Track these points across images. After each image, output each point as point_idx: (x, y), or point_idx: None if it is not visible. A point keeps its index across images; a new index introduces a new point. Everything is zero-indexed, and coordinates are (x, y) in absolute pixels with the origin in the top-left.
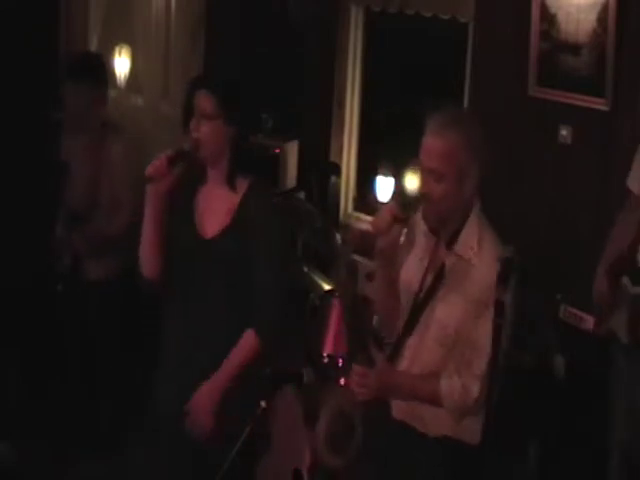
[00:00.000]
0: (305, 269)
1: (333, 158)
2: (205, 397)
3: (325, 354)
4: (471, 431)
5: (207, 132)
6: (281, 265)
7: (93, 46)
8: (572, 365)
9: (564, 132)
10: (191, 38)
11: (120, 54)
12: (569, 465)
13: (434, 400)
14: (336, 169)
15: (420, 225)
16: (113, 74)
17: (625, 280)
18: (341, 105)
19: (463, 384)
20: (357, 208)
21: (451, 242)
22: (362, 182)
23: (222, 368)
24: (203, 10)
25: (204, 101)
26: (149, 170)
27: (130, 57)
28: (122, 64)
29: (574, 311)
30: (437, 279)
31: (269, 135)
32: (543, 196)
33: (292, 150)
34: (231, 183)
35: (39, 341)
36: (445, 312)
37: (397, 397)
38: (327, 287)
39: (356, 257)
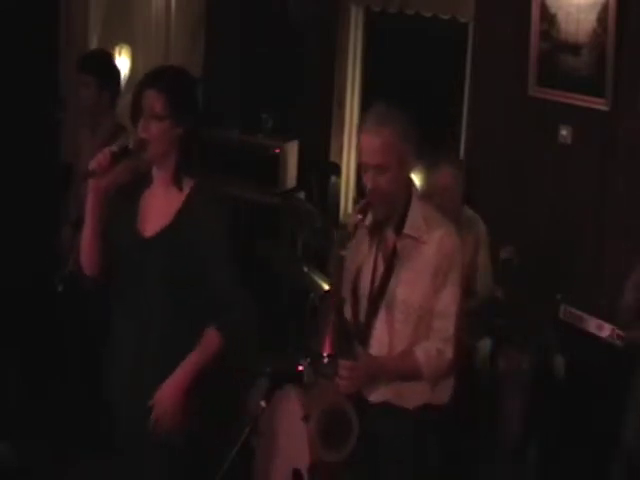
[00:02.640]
0: (305, 269)
1: (333, 158)
2: (167, 394)
3: (325, 354)
4: (444, 392)
5: (155, 133)
6: (232, 264)
7: (93, 46)
8: (572, 365)
9: (564, 132)
10: (191, 38)
11: (120, 54)
12: (569, 465)
13: (415, 372)
14: (336, 169)
15: (361, 231)
16: None
17: None
18: (341, 105)
19: (437, 348)
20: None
21: (399, 227)
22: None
23: (183, 365)
24: (203, 10)
25: (153, 101)
26: (92, 164)
27: (130, 57)
28: (122, 64)
29: (574, 311)
30: (390, 263)
31: (269, 135)
32: (543, 196)
33: (292, 150)
34: (177, 183)
35: (39, 341)
36: (407, 292)
37: (380, 381)
38: (327, 287)
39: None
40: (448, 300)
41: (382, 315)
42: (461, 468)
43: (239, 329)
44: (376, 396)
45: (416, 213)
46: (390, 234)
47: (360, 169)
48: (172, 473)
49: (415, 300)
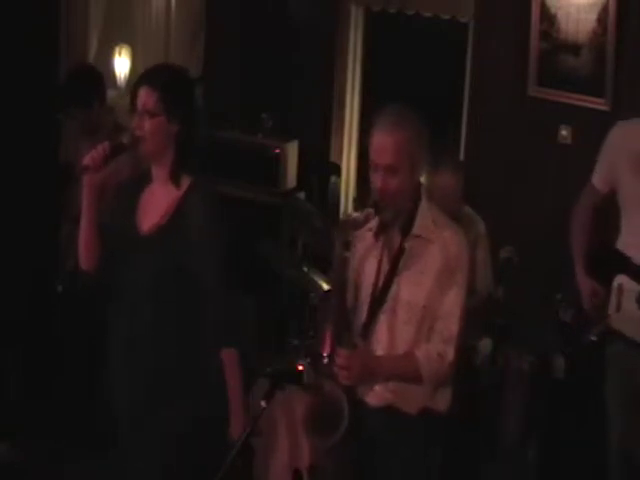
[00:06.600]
0: (305, 269)
1: (333, 158)
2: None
3: (325, 354)
4: (443, 398)
5: (148, 130)
6: (223, 263)
7: (93, 46)
8: (572, 365)
9: (564, 132)
10: (191, 38)
11: (120, 54)
12: (569, 465)
13: (414, 374)
14: (336, 169)
15: (364, 232)
16: (113, 74)
17: (622, 279)
18: (341, 105)
19: (437, 350)
20: (357, 208)
21: (407, 227)
22: (362, 182)
23: (231, 399)
24: (203, 10)
25: (145, 97)
26: (86, 160)
27: (130, 57)
28: (122, 64)
29: (574, 311)
30: (395, 263)
31: (269, 135)
32: (543, 196)
33: (292, 150)
34: (174, 181)
35: (39, 341)
36: (411, 292)
37: (379, 379)
38: (327, 287)
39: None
40: (452, 301)
41: (385, 315)
42: (461, 468)
43: (239, 330)
44: (375, 399)
45: (425, 214)
46: (396, 235)
47: (369, 168)
48: (173, 470)
49: (419, 300)
